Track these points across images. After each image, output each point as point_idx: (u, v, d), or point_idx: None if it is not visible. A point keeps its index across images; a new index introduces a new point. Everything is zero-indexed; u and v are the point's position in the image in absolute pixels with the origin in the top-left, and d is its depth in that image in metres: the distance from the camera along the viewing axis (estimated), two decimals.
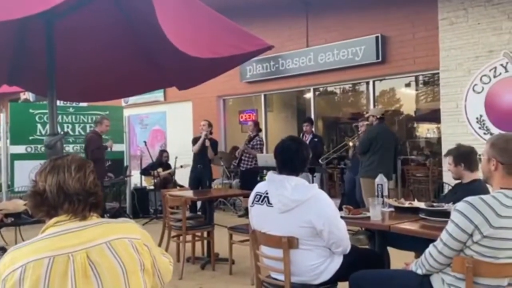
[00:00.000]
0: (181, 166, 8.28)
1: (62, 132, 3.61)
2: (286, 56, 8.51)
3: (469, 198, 1.99)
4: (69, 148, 8.11)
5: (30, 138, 7.94)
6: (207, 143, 7.16)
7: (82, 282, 1.32)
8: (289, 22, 8.56)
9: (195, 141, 7.39)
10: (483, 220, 1.92)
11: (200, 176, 7.34)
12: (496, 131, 5.89)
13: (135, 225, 1.52)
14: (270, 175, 2.67)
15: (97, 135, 6.84)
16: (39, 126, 8.05)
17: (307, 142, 6.96)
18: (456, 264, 2.00)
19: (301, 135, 7.36)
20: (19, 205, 5.23)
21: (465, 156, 3.00)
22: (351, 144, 6.52)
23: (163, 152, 9.07)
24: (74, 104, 8.31)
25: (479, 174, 2.96)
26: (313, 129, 7.52)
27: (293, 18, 8.48)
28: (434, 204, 2.97)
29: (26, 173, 7.73)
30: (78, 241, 1.36)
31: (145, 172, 8.72)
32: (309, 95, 8.97)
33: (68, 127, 8.23)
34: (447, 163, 3.18)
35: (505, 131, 5.73)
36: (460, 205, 2.00)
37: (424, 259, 2.14)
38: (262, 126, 9.47)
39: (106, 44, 3.59)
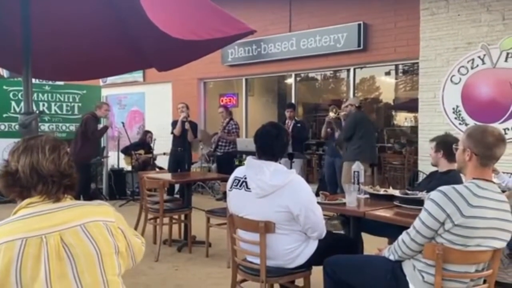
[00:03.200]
0: (164, 154, 8.20)
1: (37, 111, 3.52)
2: (268, 41, 8.46)
3: (442, 188, 2.04)
4: (45, 127, 7.94)
5: (4, 115, 7.76)
6: (187, 126, 7.12)
7: (56, 264, 1.30)
8: (272, 6, 8.49)
9: (174, 124, 7.34)
10: (455, 209, 1.97)
11: (180, 159, 7.32)
12: (471, 122, 6.02)
13: (109, 208, 1.51)
14: (249, 160, 2.68)
15: (94, 117, 6.87)
16: (13, 103, 7.86)
17: (291, 127, 6.99)
18: (427, 251, 2.05)
19: (285, 120, 7.37)
20: None
21: (447, 145, 3.05)
22: (331, 115, 6.38)
23: (147, 132, 8.94)
24: (50, 82, 8.11)
25: (455, 165, 3.04)
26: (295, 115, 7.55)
27: (276, 2, 8.41)
28: (409, 192, 3.03)
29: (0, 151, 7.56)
30: (52, 223, 1.34)
31: (126, 151, 8.56)
32: (290, 81, 8.97)
33: (43, 105, 8.04)
34: (430, 148, 3.25)
35: (480, 122, 5.88)
36: (433, 194, 2.05)
37: (397, 245, 2.20)
38: (243, 110, 9.46)
39: (84, 22, 3.49)
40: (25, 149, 1.41)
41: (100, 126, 7.09)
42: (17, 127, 7.50)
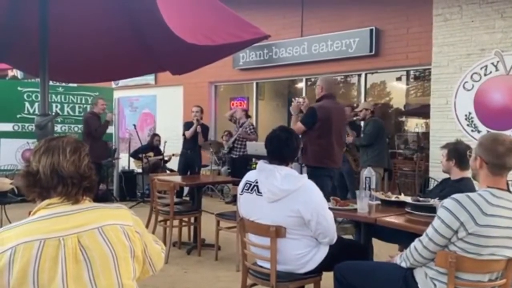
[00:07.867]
0: (173, 155, 8.24)
1: (53, 113, 3.58)
2: (280, 45, 8.48)
3: (456, 195, 2.02)
4: (57, 128, 8.02)
5: (18, 116, 7.85)
6: (198, 129, 7.17)
7: (72, 266, 1.31)
8: (284, 10, 8.51)
9: (187, 125, 7.38)
10: (468, 217, 1.95)
11: (190, 161, 7.35)
12: (483, 129, 5.97)
13: (127, 211, 1.51)
14: (261, 164, 2.68)
15: (94, 115, 6.97)
16: (27, 104, 7.96)
17: None
18: (440, 258, 2.04)
19: None
20: (5, 183, 5.19)
21: (459, 153, 3.04)
22: None
23: (154, 136, 9.00)
24: (63, 84, 8.21)
25: (468, 173, 3.01)
26: None
27: (288, 7, 8.43)
28: (420, 198, 3.01)
29: (13, 152, 7.67)
30: (70, 225, 1.34)
31: (135, 155, 8.64)
32: (301, 85, 8.97)
33: (57, 106, 8.14)
34: (441, 155, 3.23)
35: (493, 129, 5.83)
36: (447, 201, 2.04)
37: (409, 252, 2.18)
38: (253, 114, 9.47)
39: (99, 25, 3.53)
40: (47, 149, 1.41)
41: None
42: (30, 127, 7.62)
